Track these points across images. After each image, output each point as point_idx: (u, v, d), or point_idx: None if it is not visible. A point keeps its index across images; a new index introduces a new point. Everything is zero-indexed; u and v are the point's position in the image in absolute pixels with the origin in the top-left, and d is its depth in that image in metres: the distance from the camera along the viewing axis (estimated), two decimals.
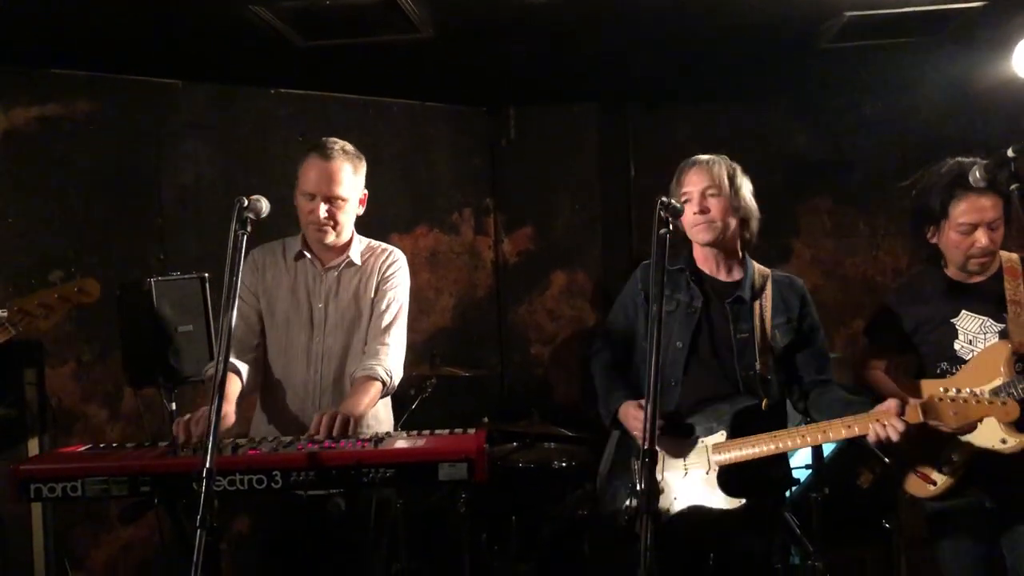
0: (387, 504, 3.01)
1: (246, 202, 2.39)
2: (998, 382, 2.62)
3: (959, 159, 2.81)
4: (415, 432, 2.59)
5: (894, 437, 2.47)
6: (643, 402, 2.57)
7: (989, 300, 2.78)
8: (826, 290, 5.70)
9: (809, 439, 2.63)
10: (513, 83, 5.28)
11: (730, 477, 2.66)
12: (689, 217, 2.78)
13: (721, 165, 2.81)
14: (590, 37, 4.21)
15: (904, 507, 3.89)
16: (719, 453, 2.68)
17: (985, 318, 2.78)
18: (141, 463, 2.36)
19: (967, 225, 2.74)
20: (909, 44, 4.36)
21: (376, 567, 2.93)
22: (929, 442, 2.73)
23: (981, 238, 2.73)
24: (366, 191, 3.06)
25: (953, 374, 2.79)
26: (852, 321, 5.52)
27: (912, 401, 2.54)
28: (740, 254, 2.88)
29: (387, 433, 2.65)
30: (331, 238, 2.94)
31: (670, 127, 5.69)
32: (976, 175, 2.55)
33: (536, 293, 5.76)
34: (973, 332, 2.79)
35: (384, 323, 2.99)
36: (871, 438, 2.52)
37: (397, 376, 2.95)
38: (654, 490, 2.03)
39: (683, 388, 2.78)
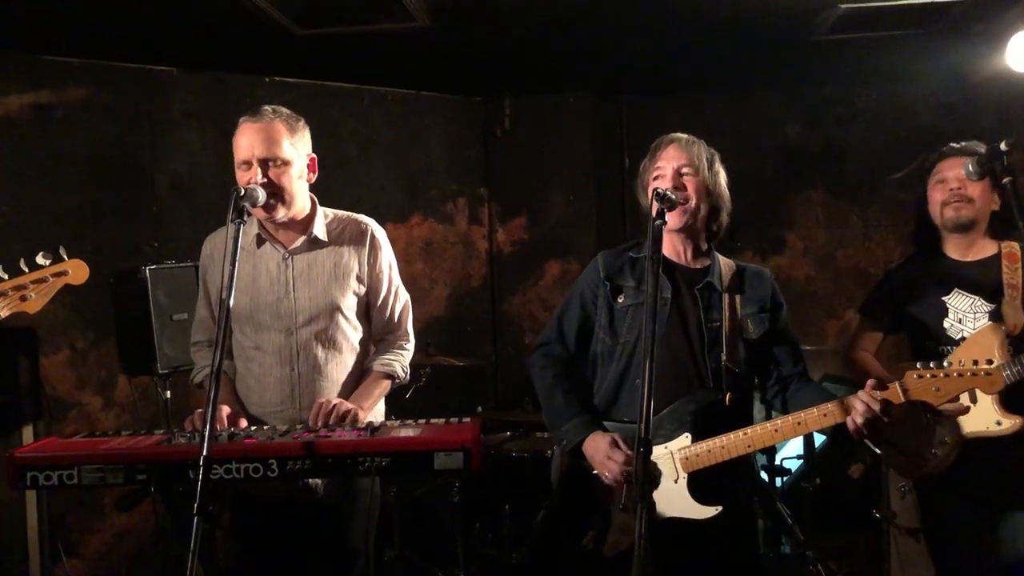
0: (374, 496, 2.81)
1: (243, 191, 2.38)
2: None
3: (948, 144, 2.91)
4: (410, 421, 2.59)
5: (870, 414, 2.30)
6: (608, 435, 2.49)
7: (982, 282, 2.81)
8: (818, 281, 5.73)
9: (783, 432, 2.42)
10: (508, 73, 5.28)
11: (702, 483, 2.45)
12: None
13: (700, 146, 2.63)
14: (585, 27, 4.21)
15: (895, 496, 3.92)
16: (686, 458, 2.46)
17: (976, 298, 2.80)
18: (137, 451, 2.36)
19: (941, 175, 2.85)
20: (903, 37, 4.37)
21: (363, 558, 2.79)
22: (920, 426, 2.75)
23: (952, 183, 2.81)
24: (313, 155, 2.72)
25: (942, 354, 2.80)
26: (844, 312, 5.55)
27: (891, 383, 2.39)
28: (706, 245, 2.69)
29: (383, 422, 2.65)
30: (280, 213, 2.61)
31: (664, 117, 5.70)
32: (969, 168, 2.57)
33: (530, 283, 5.77)
34: (963, 311, 2.81)
35: (396, 314, 2.88)
36: (850, 424, 2.33)
37: (409, 369, 2.90)
38: (649, 479, 2.02)
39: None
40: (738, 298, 2.62)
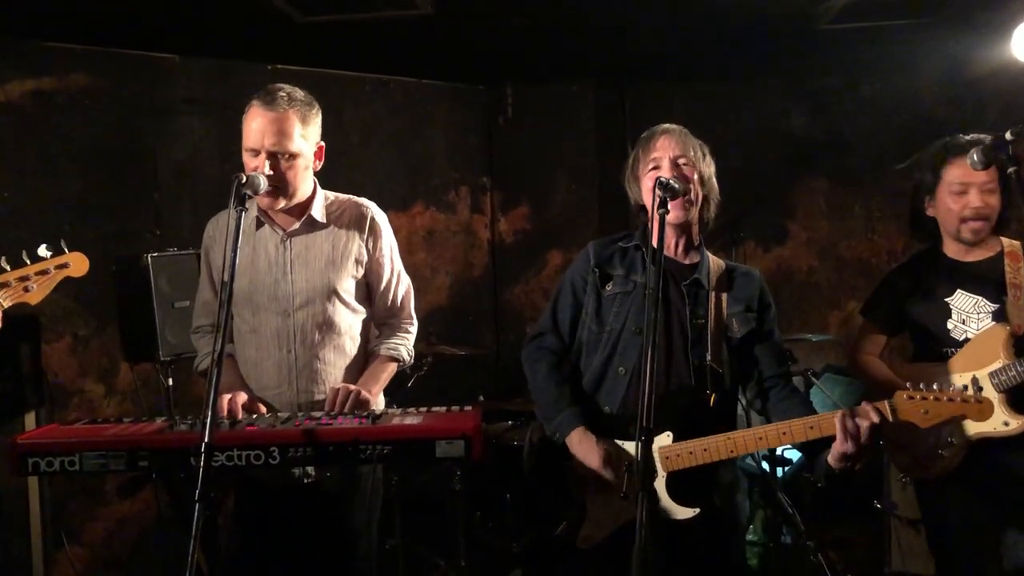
0: (376, 483, 2.84)
1: (244, 178, 2.37)
2: (997, 365, 2.63)
3: (952, 135, 2.85)
4: (412, 409, 2.58)
5: (864, 430, 2.24)
6: (601, 445, 2.46)
7: (985, 281, 2.78)
8: (821, 272, 5.73)
9: (767, 440, 2.37)
10: (510, 61, 5.27)
11: (681, 483, 2.41)
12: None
13: (690, 136, 2.61)
14: (588, 14, 4.20)
15: (896, 487, 3.93)
16: (667, 457, 2.41)
17: (979, 298, 2.78)
18: (139, 438, 2.36)
19: (959, 185, 2.76)
20: (908, 26, 4.36)
21: (365, 545, 2.80)
22: (926, 428, 2.75)
23: (974, 199, 2.74)
24: (322, 142, 2.70)
25: (946, 355, 2.80)
26: (847, 303, 5.55)
27: (880, 402, 2.34)
28: (697, 239, 2.66)
29: (384, 410, 2.65)
30: (281, 204, 2.60)
31: (667, 106, 5.68)
32: (974, 157, 2.55)
33: (532, 272, 5.77)
34: (966, 311, 2.79)
35: (399, 297, 2.88)
36: (839, 433, 2.26)
37: (413, 352, 2.91)
38: (650, 468, 2.02)
39: (632, 379, 2.53)
40: (725, 296, 2.60)
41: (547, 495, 2.67)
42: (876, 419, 2.28)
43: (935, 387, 2.30)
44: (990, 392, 2.63)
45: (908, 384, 2.33)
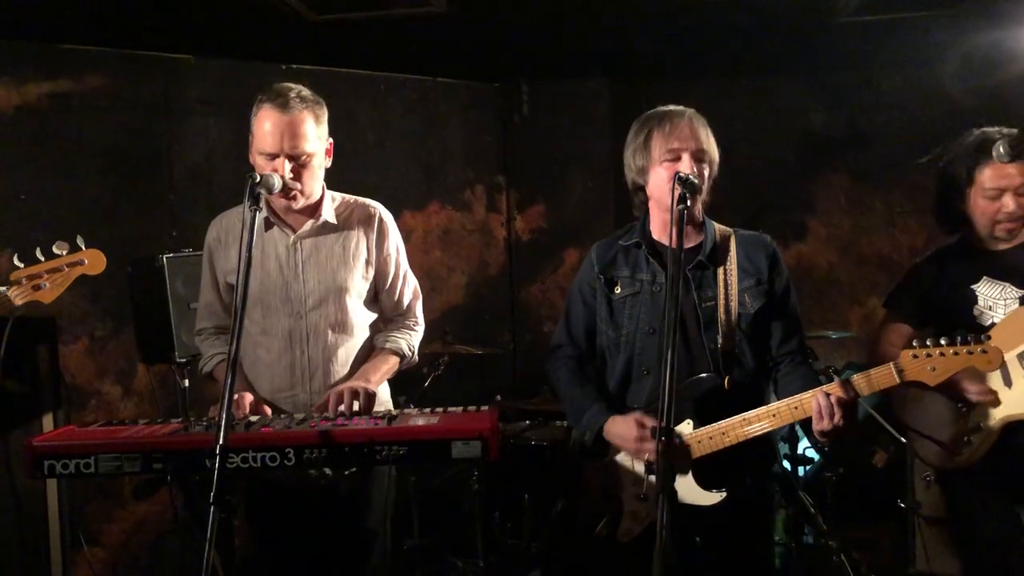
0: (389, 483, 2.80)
1: (258, 178, 2.37)
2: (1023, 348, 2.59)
3: (984, 128, 2.80)
4: (428, 410, 2.57)
5: (836, 409, 2.26)
6: (630, 416, 2.47)
7: (1012, 268, 2.75)
8: (841, 268, 5.66)
9: (781, 417, 2.37)
10: (525, 58, 5.24)
11: (705, 469, 2.43)
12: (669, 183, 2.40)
13: (703, 121, 2.58)
14: (603, 11, 4.16)
15: (919, 486, 3.87)
16: (689, 446, 2.43)
17: (1006, 284, 2.75)
18: (154, 440, 2.35)
19: (994, 190, 2.72)
20: (928, 18, 4.30)
21: (380, 546, 2.78)
22: (954, 411, 2.71)
23: (1009, 203, 2.71)
24: (331, 140, 2.71)
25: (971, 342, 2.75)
26: (867, 299, 5.48)
27: (885, 365, 2.33)
28: (700, 219, 2.60)
29: (400, 411, 2.63)
30: (300, 202, 2.63)
31: (683, 102, 5.58)
32: (1000, 149, 2.51)
33: (549, 271, 5.74)
34: (992, 297, 2.76)
35: (405, 298, 2.88)
36: (813, 411, 2.29)
37: (417, 350, 2.89)
38: (670, 469, 2.00)
39: (655, 377, 2.52)
40: (733, 271, 2.55)
41: (586, 495, 2.66)
42: (846, 396, 2.29)
43: (942, 341, 2.26)
44: (1019, 374, 2.58)
45: (915, 343, 2.29)
